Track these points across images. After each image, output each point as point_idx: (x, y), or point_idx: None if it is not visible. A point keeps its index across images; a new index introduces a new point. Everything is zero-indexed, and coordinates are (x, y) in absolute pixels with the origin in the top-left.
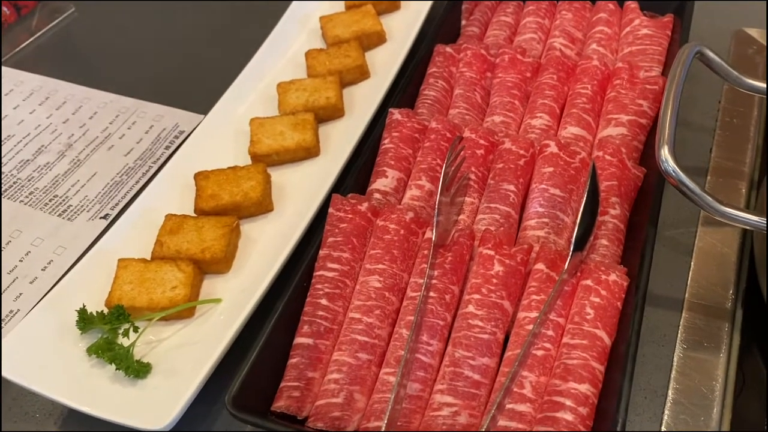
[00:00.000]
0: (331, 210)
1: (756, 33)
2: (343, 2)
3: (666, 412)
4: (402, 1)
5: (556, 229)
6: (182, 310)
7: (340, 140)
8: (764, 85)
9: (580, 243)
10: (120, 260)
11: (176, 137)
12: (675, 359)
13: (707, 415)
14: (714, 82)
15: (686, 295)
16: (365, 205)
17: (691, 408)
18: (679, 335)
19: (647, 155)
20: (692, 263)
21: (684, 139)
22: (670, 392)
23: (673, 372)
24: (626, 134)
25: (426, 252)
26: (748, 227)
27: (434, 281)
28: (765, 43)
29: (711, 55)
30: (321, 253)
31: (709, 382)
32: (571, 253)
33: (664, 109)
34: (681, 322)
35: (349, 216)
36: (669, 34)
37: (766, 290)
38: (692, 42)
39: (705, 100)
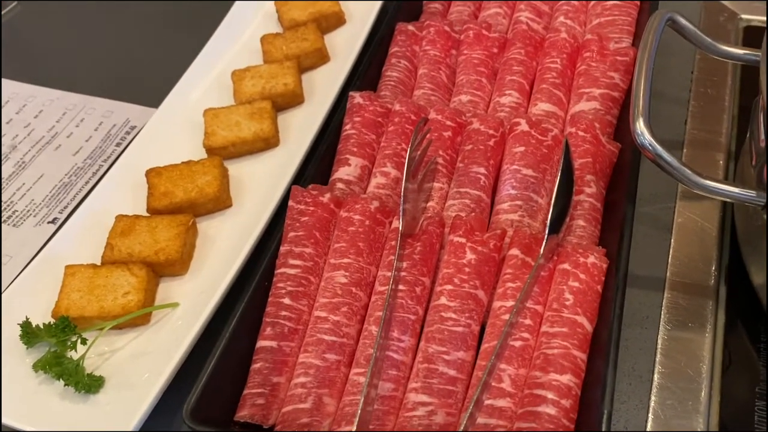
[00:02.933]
0: (291, 203)
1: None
2: None
3: (652, 398)
4: None
5: (530, 212)
6: (136, 318)
7: (300, 129)
8: (739, 51)
9: (556, 225)
10: (67, 267)
11: (127, 133)
12: (659, 341)
13: (695, 399)
14: (686, 52)
15: (668, 274)
16: (327, 195)
17: (678, 392)
18: (662, 316)
19: (621, 129)
20: (672, 240)
21: (658, 111)
22: (655, 376)
23: (658, 355)
24: (599, 108)
25: (393, 243)
26: (728, 200)
27: (403, 273)
28: (736, 10)
29: (683, 21)
30: (282, 249)
31: (696, 364)
32: (546, 237)
33: (637, 80)
34: (663, 303)
35: (311, 208)
36: (638, 4)
37: (749, 265)
38: (663, 9)
39: (678, 71)
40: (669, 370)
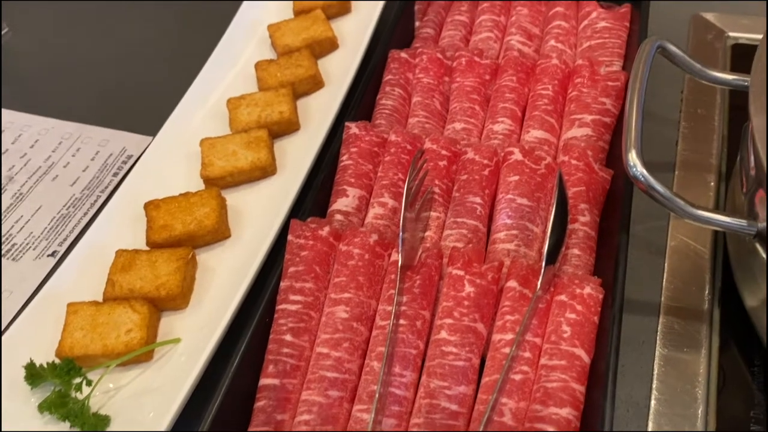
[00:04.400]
0: (290, 237)
1: (712, 17)
2: (291, 1)
3: (650, 424)
4: (353, 1)
5: (526, 241)
6: (140, 354)
7: (296, 157)
8: (728, 77)
9: (552, 256)
10: (69, 305)
11: (124, 162)
12: (655, 367)
13: (691, 425)
14: (676, 72)
15: (662, 299)
16: (326, 229)
17: (674, 418)
18: (657, 341)
19: (613, 155)
20: (666, 264)
21: (649, 132)
22: (652, 402)
23: (655, 381)
24: (591, 135)
25: (393, 276)
26: (720, 229)
27: (404, 308)
28: (723, 28)
29: (672, 48)
30: (282, 284)
31: (692, 389)
32: (543, 268)
33: (629, 110)
34: (659, 328)
35: (310, 242)
36: (627, 26)
37: (742, 289)
38: (652, 37)
39: (668, 92)
40: (665, 396)
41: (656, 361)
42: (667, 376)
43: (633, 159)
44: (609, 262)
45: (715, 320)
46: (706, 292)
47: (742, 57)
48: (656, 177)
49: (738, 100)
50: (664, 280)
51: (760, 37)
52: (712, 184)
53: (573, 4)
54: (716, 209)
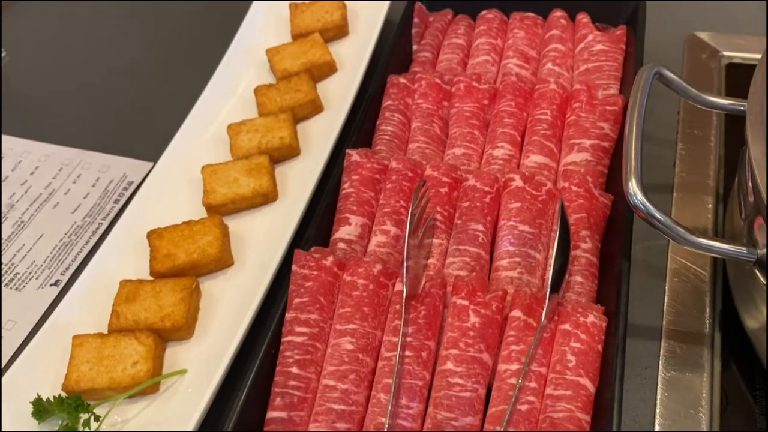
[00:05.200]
0: (294, 267)
1: (707, 37)
2: (290, 11)
3: None
4: (352, 10)
5: (529, 268)
6: (146, 387)
7: (297, 182)
8: (725, 102)
9: (556, 284)
10: (75, 337)
11: (125, 189)
12: (659, 392)
13: None
14: (671, 92)
15: (663, 323)
16: (330, 259)
17: None
18: (660, 366)
19: (613, 179)
20: (666, 286)
21: (646, 154)
22: (656, 427)
23: (658, 406)
24: (590, 159)
25: (398, 307)
26: (720, 256)
27: (409, 339)
28: (717, 47)
29: (669, 75)
30: (287, 316)
31: (695, 414)
32: (548, 297)
33: (628, 138)
34: (661, 352)
35: (314, 273)
36: (623, 48)
37: (742, 313)
38: (649, 64)
39: (664, 112)
40: (669, 420)
41: (659, 386)
42: (670, 400)
43: (633, 188)
44: (611, 289)
45: (716, 343)
46: (707, 315)
47: (736, 77)
48: (655, 199)
49: (734, 120)
50: (665, 303)
51: (754, 56)
52: (710, 206)
53: (569, 26)
54: (715, 236)
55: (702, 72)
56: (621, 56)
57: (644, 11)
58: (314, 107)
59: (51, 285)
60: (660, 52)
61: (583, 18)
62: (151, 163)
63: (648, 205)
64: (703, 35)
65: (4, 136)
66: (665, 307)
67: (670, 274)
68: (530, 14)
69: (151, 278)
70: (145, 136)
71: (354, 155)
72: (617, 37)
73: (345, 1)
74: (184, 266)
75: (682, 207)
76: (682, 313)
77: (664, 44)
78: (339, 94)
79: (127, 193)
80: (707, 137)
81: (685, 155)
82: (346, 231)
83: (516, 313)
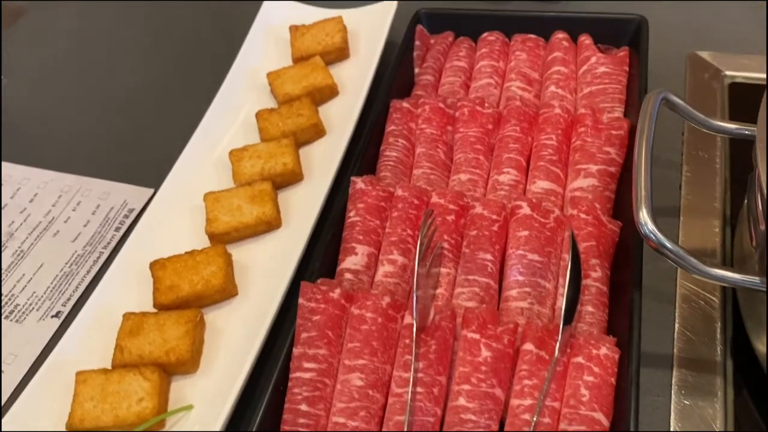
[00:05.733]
0: (301, 300)
1: (708, 56)
2: (290, 33)
3: None
4: (353, 32)
5: (539, 298)
6: (153, 424)
7: (301, 209)
8: (732, 126)
9: (569, 316)
10: (78, 374)
11: (126, 216)
12: (672, 422)
13: None
14: (675, 114)
15: (675, 351)
16: (337, 291)
17: None
18: (672, 396)
19: (620, 205)
20: (676, 313)
21: (653, 177)
22: None
23: None
24: (597, 185)
25: (408, 341)
26: (733, 286)
27: (420, 374)
28: (719, 67)
29: (676, 100)
30: (295, 351)
31: None
32: (561, 330)
33: (637, 167)
34: (673, 381)
35: (322, 306)
36: (627, 70)
37: (754, 339)
38: (656, 90)
39: (668, 134)
40: None
41: (672, 415)
42: (684, 430)
43: (644, 217)
44: (622, 319)
45: (728, 371)
46: (718, 342)
47: (740, 97)
48: (661, 223)
49: (739, 141)
50: (675, 330)
51: (756, 75)
52: (717, 229)
53: (571, 48)
54: (724, 261)
55: (705, 92)
56: (625, 78)
57: (647, 32)
58: (316, 131)
59: (52, 317)
60: (661, 71)
61: (586, 40)
62: (151, 190)
63: (659, 235)
64: (705, 54)
65: (2, 163)
66: (675, 334)
67: (679, 300)
68: (532, 36)
69: (154, 310)
70: (146, 161)
71: (359, 183)
72: (620, 59)
73: (346, 20)
74: (188, 298)
75: (689, 231)
76: (693, 341)
77: (665, 63)
78: (341, 118)
79: (128, 221)
80: (712, 159)
81: (691, 177)
82: (353, 261)
83: (528, 346)
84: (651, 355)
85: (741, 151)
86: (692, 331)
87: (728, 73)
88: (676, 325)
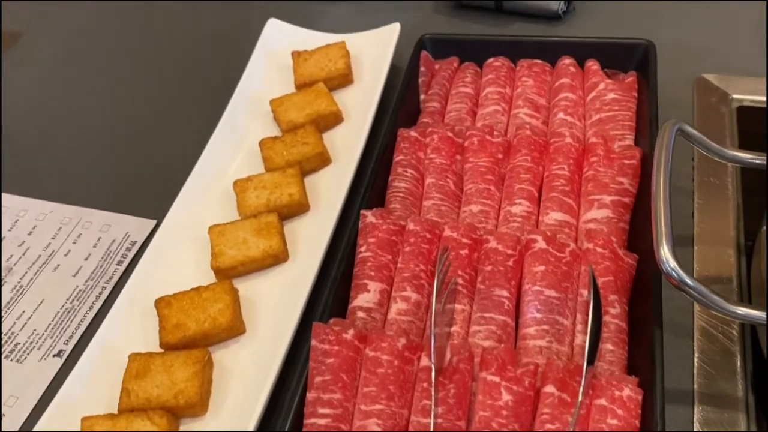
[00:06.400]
0: (313, 342)
1: (715, 79)
2: (292, 59)
3: None
4: (356, 57)
5: (557, 336)
6: None
7: (308, 241)
8: (747, 156)
9: (591, 357)
10: (84, 419)
11: (128, 249)
12: None
13: None
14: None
15: (695, 386)
16: (351, 332)
17: None
18: None
19: (634, 235)
20: (694, 346)
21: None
22: None
23: None
24: (612, 216)
25: (425, 385)
26: (757, 324)
27: (439, 420)
28: (726, 90)
29: (691, 130)
30: (309, 396)
31: None
32: (585, 372)
33: (656, 201)
34: (695, 418)
35: (335, 348)
36: (635, 96)
37: None
38: (671, 120)
39: (678, 158)
40: None
41: None
42: None
43: (666, 254)
44: (642, 356)
45: (750, 406)
46: (739, 376)
47: (748, 120)
48: (676, 253)
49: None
50: (695, 366)
51: (764, 99)
52: (732, 259)
53: (578, 73)
54: (742, 296)
55: (713, 117)
56: (634, 105)
57: (655, 57)
58: (322, 160)
59: (54, 356)
60: (667, 94)
61: (593, 65)
62: (154, 221)
63: (681, 272)
64: (711, 77)
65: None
66: (695, 369)
67: (698, 333)
68: (538, 61)
69: (160, 350)
70: (147, 191)
71: (369, 216)
72: (628, 85)
73: (349, 45)
74: (195, 337)
75: (704, 261)
76: (714, 376)
77: (670, 86)
78: (346, 145)
79: (131, 254)
80: (724, 185)
81: (703, 204)
82: (365, 298)
83: (549, 388)
84: (671, 391)
85: (753, 176)
86: (712, 365)
87: (736, 96)
88: (695, 360)
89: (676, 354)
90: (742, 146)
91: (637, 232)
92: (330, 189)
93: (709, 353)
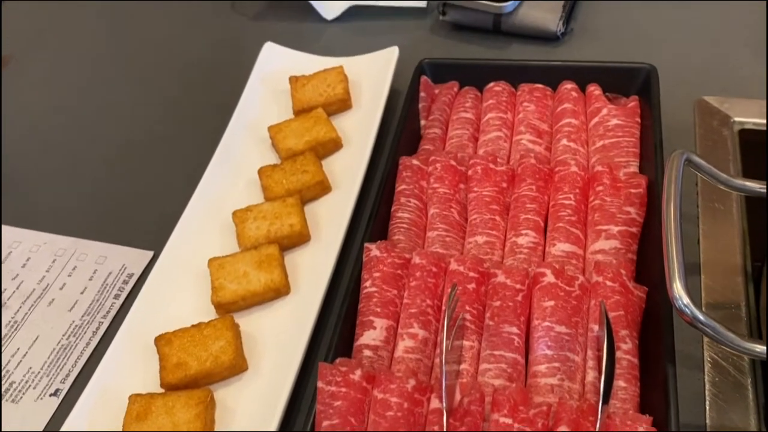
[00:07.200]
0: (320, 384)
1: (716, 102)
2: (290, 84)
3: None
4: (354, 81)
5: (569, 373)
6: None
7: (309, 273)
8: (756, 186)
9: (606, 396)
10: None
11: (125, 282)
12: None
13: None
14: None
15: (707, 421)
16: (358, 373)
17: None
18: None
19: (642, 265)
20: (705, 379)
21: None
22: None
23: None
24: (619, 247)
25: (436, 428)
26: None
27: None
28: (728, 113)
29: (698, 160)
30: None
31: None
32: (600, 412)
33: (667, 236)
34: None
35: (342, 390)
36: (639, 121)
37: None
38: (679, 151)
39: (683, 184)
40: None
41: None
42: None
43: (678, 291)
44: (655, 393)
45: None
46: (751, 410)
47: (750, 143)
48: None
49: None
50: (707, 400)
51: (765, 122)
52: (740, 287)
53: (580, 98)
54: (751, 328)
55: (715, 139)
56: (637, 131)
57: (657, 82)
58: (322, 188)
59: (50, 395)
60: (668, 117)
61: (595, 90)
62: (151, 252)
63: (694, 309)
64: (712, 100)
65: None
66: (707, 404)
67: (708, 366)
68: (539, 86)
69: (161, 390)
70: (144, 221)
71: (373, 250)
72: (631, 110)
73: (347, 69)
74: (197, 376)
75: (712, 290)
76: (726, 410)
77: (671, 108)
78: (346, 172)
79: (128, 287)
80: (729, 210)
81: (708, 231)
82: (371, 336)
83: (563, 429)
84: (684, 426)
85: (758, 201)
86: (724, 400)
87: (737, 119)
88: (707, 393)
89: (687, 386)
90: (745, 170)
91: (646, 262)
92: (331, 218)
93: (720, 386)
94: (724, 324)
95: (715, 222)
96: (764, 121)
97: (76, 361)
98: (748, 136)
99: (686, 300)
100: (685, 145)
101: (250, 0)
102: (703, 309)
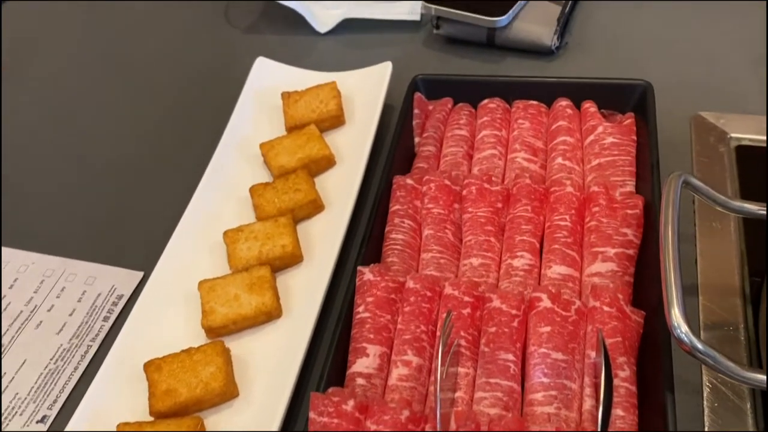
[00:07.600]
0: (312, 415)
1: (712, 117)
2: (282, 101)
3: None
4: (347, 97)
5: (566, 401)
6: None
7: (302, 295)
8: (754, 207)
9: (605, 425)
10: None
11: (114, 304)
12: None
13: None
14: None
15: None
16: (350, 403)
17: None
18: None
19: (639, 287)
20: (704, 405)
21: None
22: None
23: None
24: (616, 270)
25: None
26: None
27: None
28: (725, 129)
29: (697, 183)
30: None
31: None
32: None
33: (665, 263)
34: None
35: (335, 421)
36: (635, 139)
37: None
38: (676, 173)
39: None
40: None
41: None
42: None
43: (677, 319)
44: (654, 420)
45: None
46: None
47: (747, 159)
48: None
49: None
50: (706, 426)
51: (762, 138)
52: (739, 309)
53: (575, 115)
54: (748, 347)
55: (712, 156)
56: (633, 149)
57: (653, 99)
58: (315, 207)
59: (37, 422)
60: (664, 132)
61: (590, 107)
62: (141, 273)
63: (693, 338)
64: (708, 115)
65: None
66: (706, 429)
67: (707, 392)
68: (533, 102)
69: (150, 418)
70: (133, 241)
71: (367, 273)
72: (627, 128)
73: (339, 84)
74: (187, 403)
75: (710, 312)
76: None
77: (667, 124)
78: (339, 190)
79: (117, 309)
80: (726, 230)
81: (706, 250)
82: (364, 363)
83: None
84: None
85: (755, 221)
86: (723, 425)
87: (734, 135)
88: (706, 419)
89: (686, 411)
90: (743, 187)
91: (643, 284)
92: (324, 237)
93: (719, 411)
94: (723, 353)
95: (713, 241)
96: (762, 137)
97: (63, 386)
98: (745, 152)
99: (685, 328)
100: (682, 162)
101: (242, 11)
102: (702, 330)
